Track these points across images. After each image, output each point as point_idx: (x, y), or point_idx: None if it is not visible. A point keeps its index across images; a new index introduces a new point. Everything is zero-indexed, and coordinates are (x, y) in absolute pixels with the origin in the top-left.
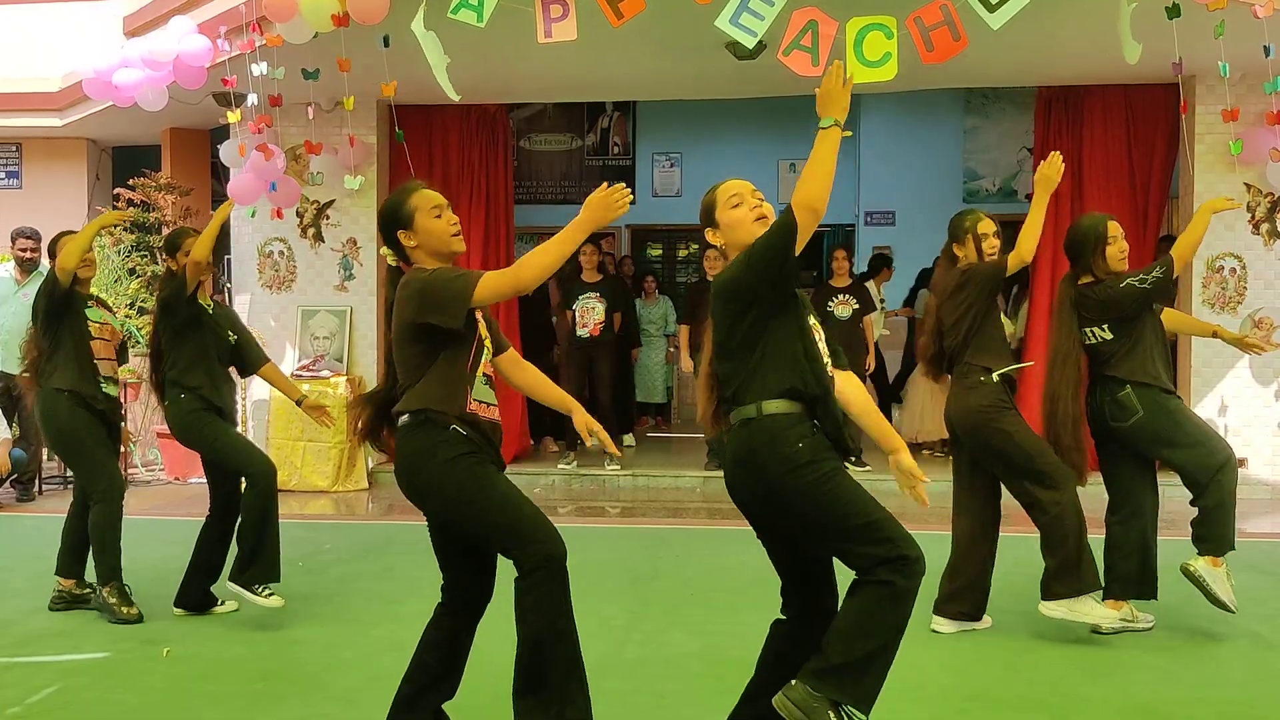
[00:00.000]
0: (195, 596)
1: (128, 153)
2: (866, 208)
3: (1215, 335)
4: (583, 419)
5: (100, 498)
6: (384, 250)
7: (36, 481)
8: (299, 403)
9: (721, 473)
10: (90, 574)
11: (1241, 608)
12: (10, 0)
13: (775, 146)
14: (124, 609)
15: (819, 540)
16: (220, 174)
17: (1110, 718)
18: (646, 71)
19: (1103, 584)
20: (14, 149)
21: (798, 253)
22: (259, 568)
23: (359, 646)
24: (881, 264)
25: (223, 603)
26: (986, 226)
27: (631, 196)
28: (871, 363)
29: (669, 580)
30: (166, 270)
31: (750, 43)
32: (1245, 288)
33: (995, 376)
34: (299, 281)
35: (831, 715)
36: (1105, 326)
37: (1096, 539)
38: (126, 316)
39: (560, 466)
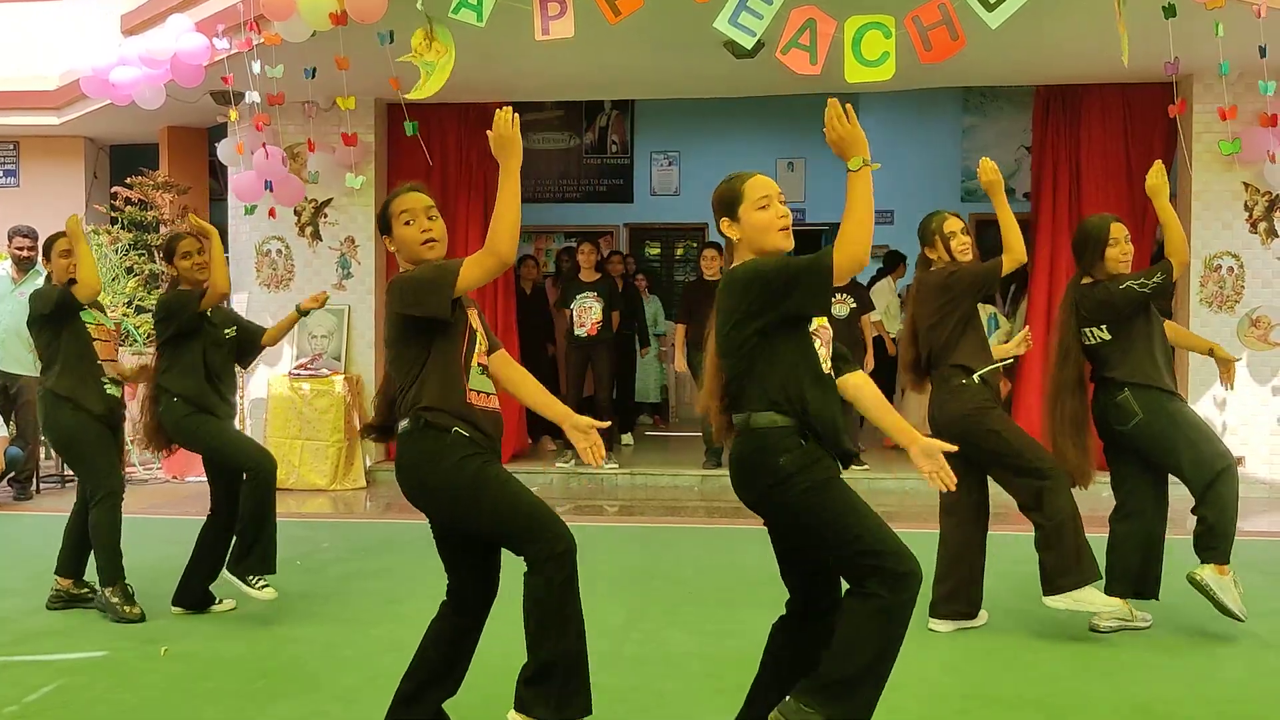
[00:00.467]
0: (194, 595)
1: (125, 151)
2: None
3: (1211, 353)
4: (576, 424)
5: (101, 499)
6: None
7: (34, 480)
8: (300, 310)
9: (719, 471)
10: (89, 573)
11: (1240, 591)
12: None
13: (773, 145)
14: (127, 609)
15: (815, 547)
16: (218, 172)
17: (1108, 716)
18: (645, 70)
19: (1101, 576)
20: (11, 147)
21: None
22: (255, 559)
23: (358, 645)
24: (896, 260)
25: (221, 601)
26: (953, 225)
27: (514, 112)
28: (870, 361)
29: (667, 578)
30: (172, 278)
31: (748, 43)
32: (1243, 286)
33: (976, 378)
34: (297, 280)
35: None
36: (1104, 327)
37: (1099, 537)
38: (124, 315)
39: (558, 465)
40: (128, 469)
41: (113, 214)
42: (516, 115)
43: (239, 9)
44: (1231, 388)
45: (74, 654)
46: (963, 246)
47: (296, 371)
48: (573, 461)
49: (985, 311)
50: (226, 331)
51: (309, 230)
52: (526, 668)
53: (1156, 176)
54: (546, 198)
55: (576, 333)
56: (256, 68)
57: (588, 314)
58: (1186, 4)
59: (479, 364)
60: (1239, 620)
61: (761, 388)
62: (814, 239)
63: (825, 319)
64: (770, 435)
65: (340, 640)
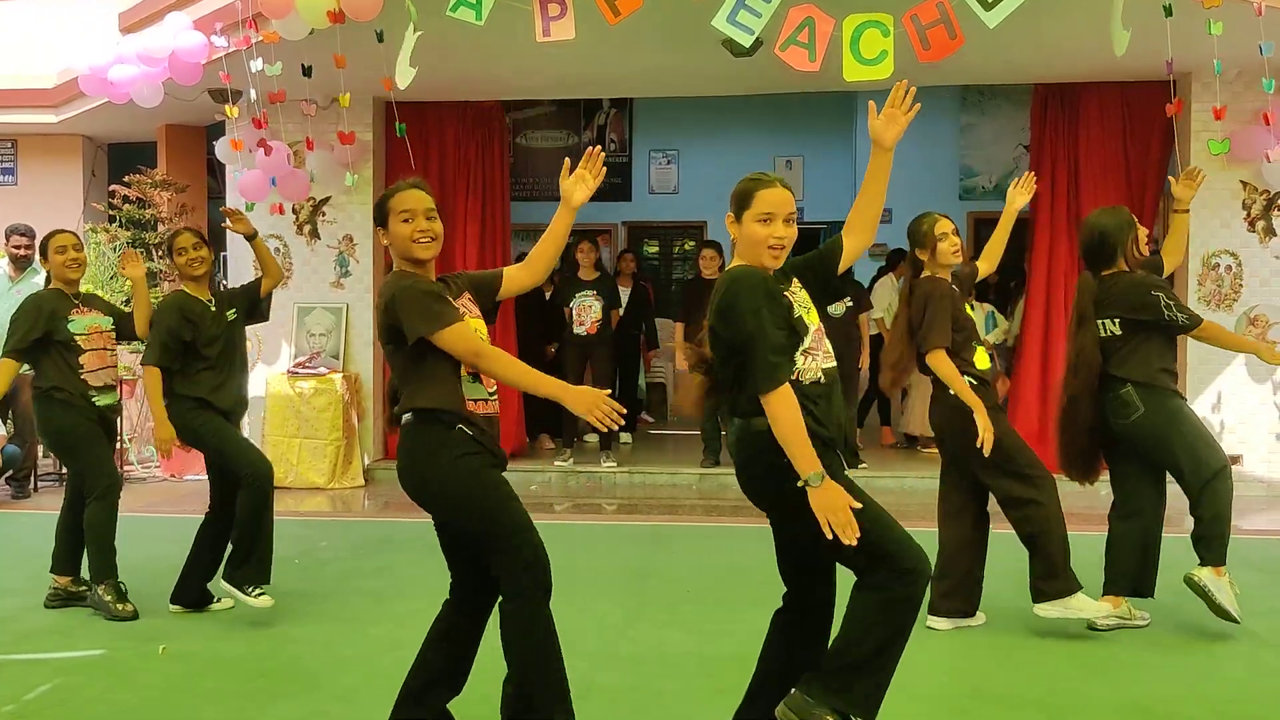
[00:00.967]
0: (192, 594)
1: (123, 149)
2: None
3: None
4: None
5: (97, 496)
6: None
7: (32, 479)
8: (249, 237)
9: (717, 469)
10: (86, 571)
11: (1237, 593)
12: None
13: (772, 143)
14: (119, 606)
15: (813, 544)
16: (216, 170)
17: (1107, 715)
18: (643, 68)
19: (1079, 585)
20: (9, 145)
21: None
22: (251, 569)
23: (357, 644)
24: (899, 258)
25: (219, 600)
26: (944, 227)
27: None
28: (866, 360)
29: (665, 577)
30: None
31: (747, 41)
32: (1241, 285)
33: (974, 381)
34: (295, 278)
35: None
36: (1116, 322)
37: (1100, 536)
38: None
39: (556, 463)
40: (126, 468)
41: (111, 212)
42: (608, 406)
43: (237, 7)
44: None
45: (72, 653)
46: (953, 249)
47: (294, 370)
48: (571, 460)
49: (983, 310)
50: (229, 315)
51: (307, 229)
52: (506, 697)
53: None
54: (544, 196)
55: (576, 331)
56: (254, 66)
57: (587, 313)
58: (1185, 3)
59: (469, 373)
60: (1235, 622)
61: (753, 394)
62: (813, 238)
63: (817, 320)
64: (767, 437)
65: (339, 639)
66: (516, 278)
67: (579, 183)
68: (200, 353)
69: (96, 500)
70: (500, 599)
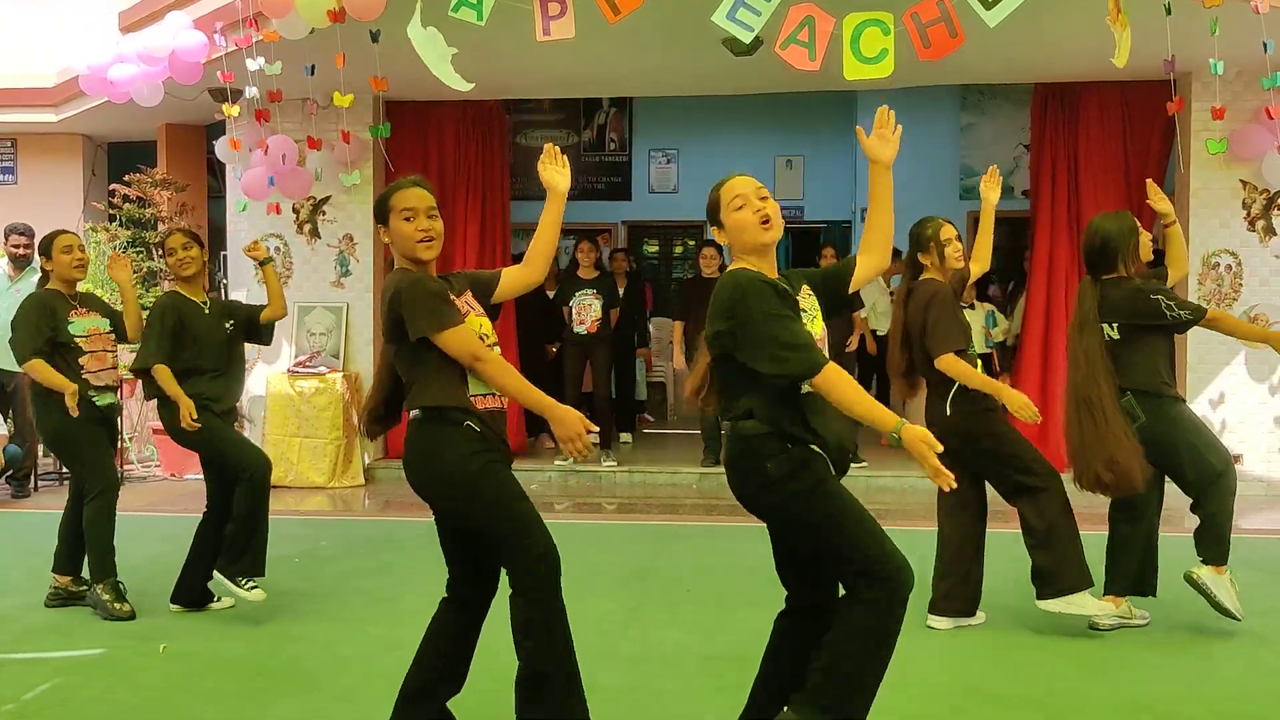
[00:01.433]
0: (192, 593)
1: (123, 148)
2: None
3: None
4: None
5: (95, 495)
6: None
7: (32, 478)
8: (261, 262)
9: (717, 469)
10: (87, 571)
11: (1237, 590)
12: None
13: (772, 143)
14: (117, 606)
15: (808, 548)
16: (216, 170)
17: (1106, 714)
18: (643, 67)
19: (1091, 581)
20: (9, 145)
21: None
22: (246, 562)
23: (357, 644)
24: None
25: (219, 599)
26: (948, 232)
27: (594, 446)
28: (854, 342)
29: (665, 576)
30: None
31: (746, 38)
32: (1241, 284)
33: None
34: (295, 278)
35: None
36: (1115, 327)
37: (1099, 535)
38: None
39: (557, 462)
40: (126, 467)
41: (111, 211)
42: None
43: (237, 6)
44: None
45: (72, 652)
46: (956, 254)
47: (295, 369)
48: (571, 459)
49: (983, 309)
50: (227, 325)
51: (307, 228)
52: (519, 690)
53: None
54: (545, 195)
55: (576, 330)
56: (254, 65)
57: (587, 311)
58: (1185, 2)
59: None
60: (1236, 619)
61: (743, 395)
62: (812, 236)
63: (822, 328)
64: (755, 440)
65: (339, 638)
66: (517, 278)
67: (555, 173)
68: (197, 355)
69: (94, 501)
70: (510, 592)
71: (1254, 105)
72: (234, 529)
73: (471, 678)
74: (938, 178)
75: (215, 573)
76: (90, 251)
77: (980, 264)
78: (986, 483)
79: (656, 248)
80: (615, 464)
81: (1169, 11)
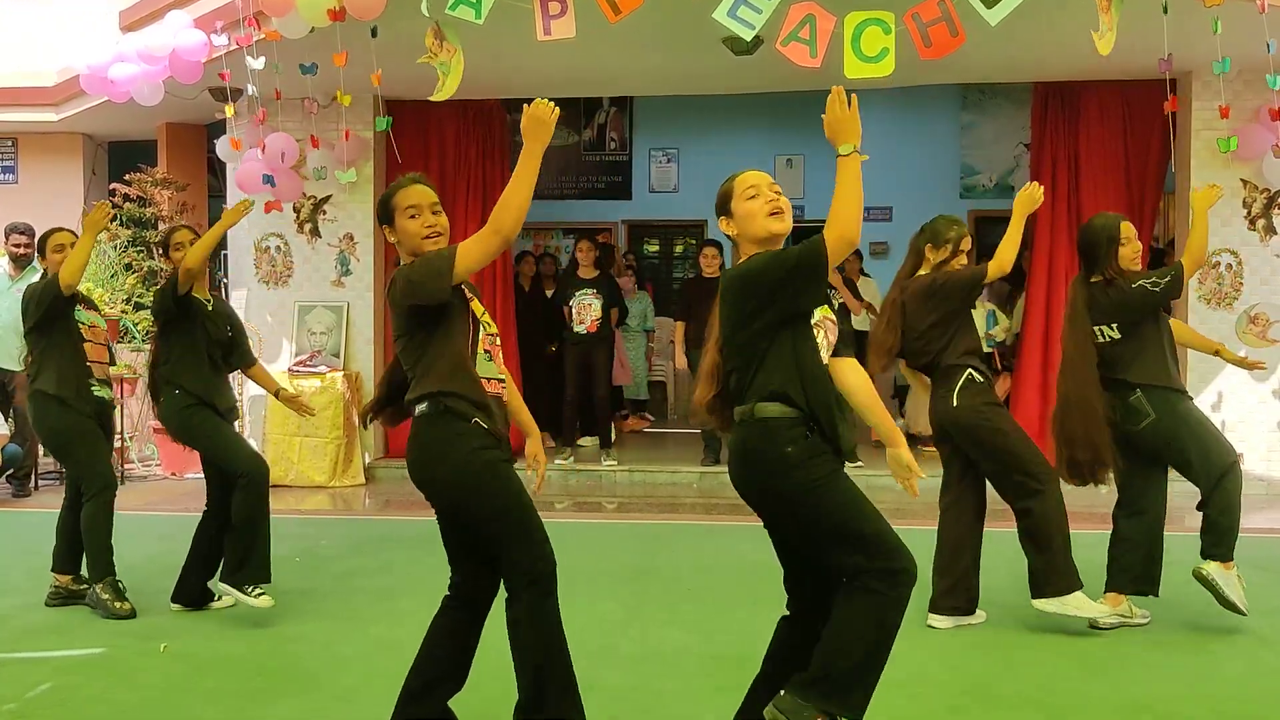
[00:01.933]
0: (192, 592)
1: (124, 148)
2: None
3: (1218, 354)
4: (534, 449)
5: (93, 494)
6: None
7: (32, 477)
8: (276, 394)
9: (717, 468)
10: (87, 569)
11: (1244, 586)
12: None
13: (772, 141)
14: (117, 604)
15: (812, 541)
16: (217, 169)
17: (1106, 713)
18: (644, 67)
19: (1081, 583)
20: (10, 144)
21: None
22: (250, 569)
23: (357, 643)
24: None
25: (220, 598)
26: (966, 244)
27: (555, 108)
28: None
29: (665, 576)
30: (173, 269)
31: (747, 35)
32: (1241, 283)
33: (977, 375)
34: (296, 277)
35: None
36: (1114, 326)
37: (1099, 534)
38: (122, 312)
39: (557, 461)
40: (126, 466)
41: (111, 211)
42: (557, 109)
43: (237, 5)
44: (1263, 366)
45: (73, 651)
46: (962, 265)
47: (295, 368)
48: (571, 459)
49: (984, 307)
50: (226, 327)
51: (308, 227)
52: (521, 696)
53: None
54: (545, 194)
55: (576, 330)
56: (253, 64)
57: (587, 311)
58: (1185, 1)
59: (485, 350)
60: (1241, 614)
61: (766, 379)
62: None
63: (830, 310)
64: (776, 424)
65: (339, 638)
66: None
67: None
68: (200, 347)
69: (92, 499)
70: (507, 595)
71: (1254, 104)
72: (233, 537)
73: (473, 677)
74: (938, 177)
75: (220, 582)
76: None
77: (998, 266)
78: (986, 482)
79: (657, 247)
80: (615, 463)
81: (1166, 10)
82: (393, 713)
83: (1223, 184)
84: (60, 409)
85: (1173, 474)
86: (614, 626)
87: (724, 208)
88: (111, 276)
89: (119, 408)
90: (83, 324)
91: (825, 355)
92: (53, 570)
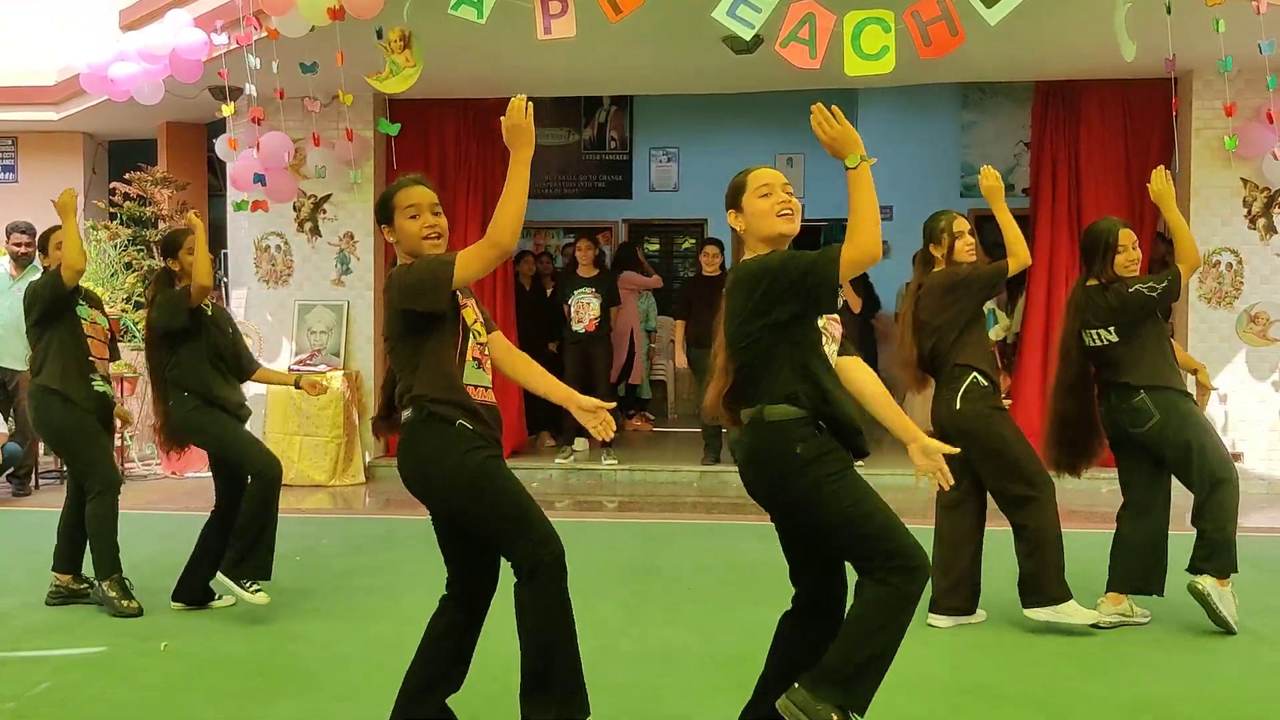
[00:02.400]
0: (194, 591)
1: (124, 147)
2: None
3: (1194, 374)
4: (580, 401)
5: (97, 492)
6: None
7: (33, 476)
8: (297, 384)
9: (717, 467)
10: (87, 568)
11: (1237, 603)
12: None
13: (772, 141)
14: (124, 602)
15: (826, 539)
16: (216, 168)
17: (1106, 712)
18: (644, 66)
19: (1070, 594)
20: (10, 143)
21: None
22: (252, 564)
23: (357, 642)
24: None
25: (221, 598)
26: (961, 225)
27: (528, 104)
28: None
29: (665, 575)
30: (164, 270)
31: (747, 34)
32: (1242, 282)
33: (983, 378)
34: (296, 276)
35: (835, 717)
36: (1111, 330)
37: (1104, 533)
38: (122, 311)
39: (558, 460)
40: (127, 464)
41: (111, 210)
42: (531, 104)
43: (237, 4)
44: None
45: (73, 650)
46: (968, 247)
47: (295, 367)
48: (572, 457)
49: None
50: (227, 329)
51: (308, 226)
52: (525, 680)
53: (1160, 182)
54: (545, 194)
55: (575, 329)
56: (255, 63)
57: (586, 310)
58: (1186, 1)
59: (474, 358)
60: (1231, 633)
61: (773, 381)
62: (813, 234)
63: (835, 313)
64: (784, 426)
65: (340, 637)
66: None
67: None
68: (206, 351)
69: (96, 497)
70: (514, 583)
71: (1254, 103)
72: (240, 528)
73: (472, 676)
74: (938, 175)
75: (219, 573)
76: (91, 250)
77: (1017, 259)
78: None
79: (657, 246)
80: (615, 462)
81: (1169, 10)
82: (392, 712)
83: (1222, 183)
84: (63, 405)
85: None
86: (614, 625)
87: (735, 201)
88: (111, 275)
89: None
90: (85, 320)
91: (831, 351)
92: (53, 569)
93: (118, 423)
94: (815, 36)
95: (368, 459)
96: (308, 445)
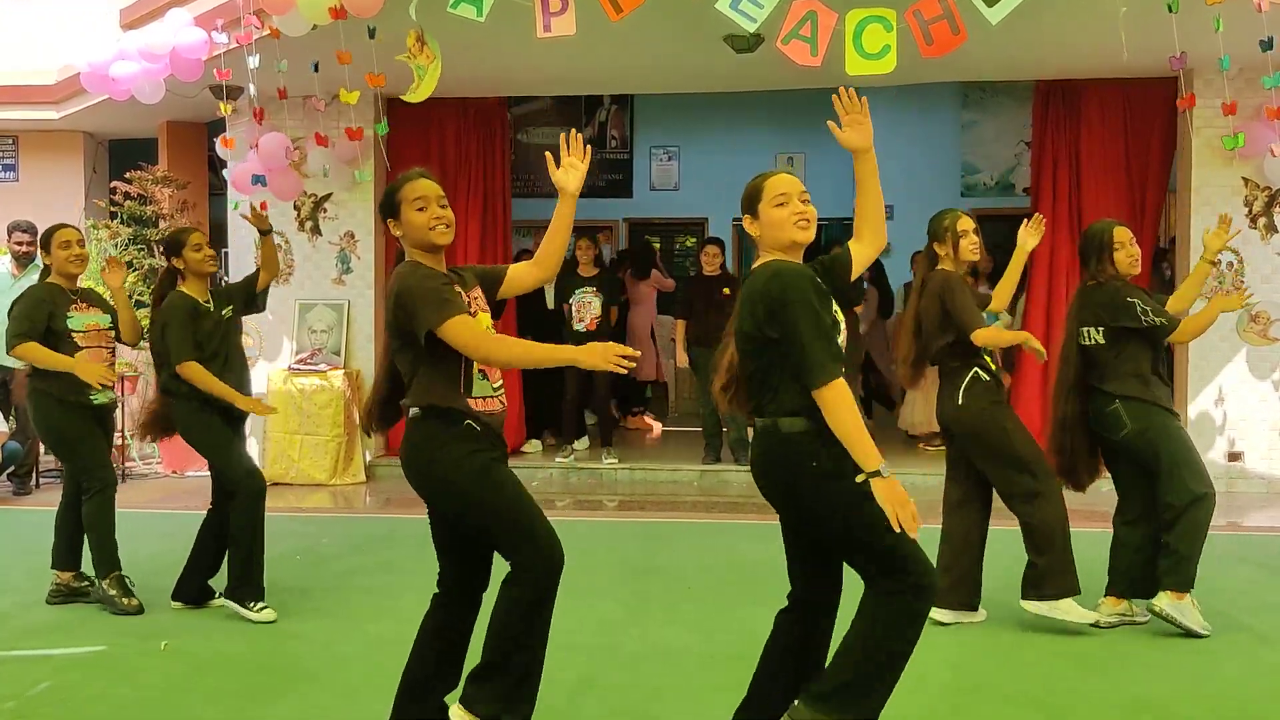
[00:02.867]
0: (194, 590)
1: (124, 146)
2: None
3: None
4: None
5: (93, 491)
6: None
7: (33, 475)
8: (263, 231)
9: (717, 466)
10: (87, 567)
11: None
12: None
13: (773, 140)
14: (125, 600)
15: (834, 548)
16: (217, 167)
17: (1106, 712)
18: (644, 65)
19: (1079, 589)
20: (10, 142)
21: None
22: (250, 586)
23: (357, 641)
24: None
25: (220, 596)
26: (965, 224)
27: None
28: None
29: (665, 574)
30: (168, 269)
31: (750, 28)
32: (1242, 282)
33: (984, 374)
34: (296, 275)
35: None
36: (1100, 331)
37: (1103, 534)
38: None
39: (558, 460)
40: (127, 464)
41: (112, 209)
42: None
43: (238, 3)
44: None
45: (73, 649)
46: (972, 246)
47: (296, 366)
48: (572, 457)
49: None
50: (225, 312)
51: (309, 225)
52: (479, 666)
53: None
54: (545, 192)
55: (575, 328)
56: (255, 62)
57: (586, 309)
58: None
59: (479, 370)
60: (1202, 636)
61: (783, 392)
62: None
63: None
64: (798, 439)
65: (340, 636)
66: (525, 275)
67: (570, 170)
68: (201, 351)
69: (92, 497)
70: (503, 580)
71: (1255, 102)
72: (232, 551)
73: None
74: (939, 175)
75: (224, 599)
76: (91, 249)
77: (1000, 300)
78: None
79: (657, 245)
80: (616, 461)
81: (1171, 9)
82: (391, 712)
83: (1223, 182)
84: (60, 407)
85: None
86: (614, 625)
87: (751, 207)
88: None
89: (119, 405)
90: (77, 331)
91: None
92: (53, 568)
93: (116, 418)
94: (817, 34)
95: (368, 458)
96: (308, 444)
